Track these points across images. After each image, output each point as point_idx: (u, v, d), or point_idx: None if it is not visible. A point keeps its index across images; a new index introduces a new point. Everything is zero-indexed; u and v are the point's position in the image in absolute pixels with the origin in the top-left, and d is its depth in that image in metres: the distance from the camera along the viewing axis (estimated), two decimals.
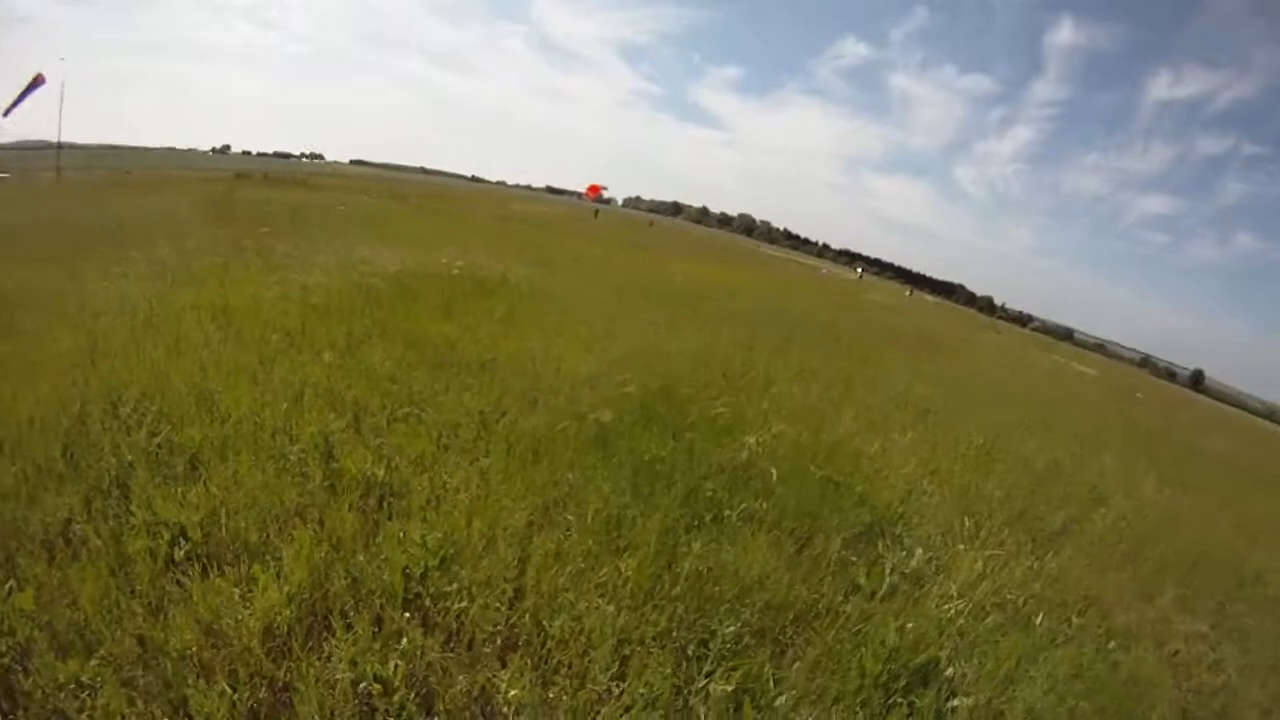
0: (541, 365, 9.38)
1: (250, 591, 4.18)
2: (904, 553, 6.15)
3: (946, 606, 5.45)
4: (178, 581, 4.23)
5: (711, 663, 4.29)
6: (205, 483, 5.18)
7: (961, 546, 6.64)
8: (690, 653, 4.39)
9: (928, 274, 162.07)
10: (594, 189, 70.39)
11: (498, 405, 7.47)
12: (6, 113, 38.17)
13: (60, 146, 44.42)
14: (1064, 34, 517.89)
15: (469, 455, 6.26)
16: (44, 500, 4.84)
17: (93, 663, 3.60)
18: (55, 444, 5.53)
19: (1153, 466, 13.81)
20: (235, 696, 3.55)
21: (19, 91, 37.40)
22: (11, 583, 4.01)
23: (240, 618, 3.97)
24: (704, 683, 4.14)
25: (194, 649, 3.77)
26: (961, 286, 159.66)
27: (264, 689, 3.69)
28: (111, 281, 11.20)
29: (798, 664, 4.52)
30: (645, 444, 7.03)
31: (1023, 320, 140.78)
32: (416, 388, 7.60)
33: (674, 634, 4.50)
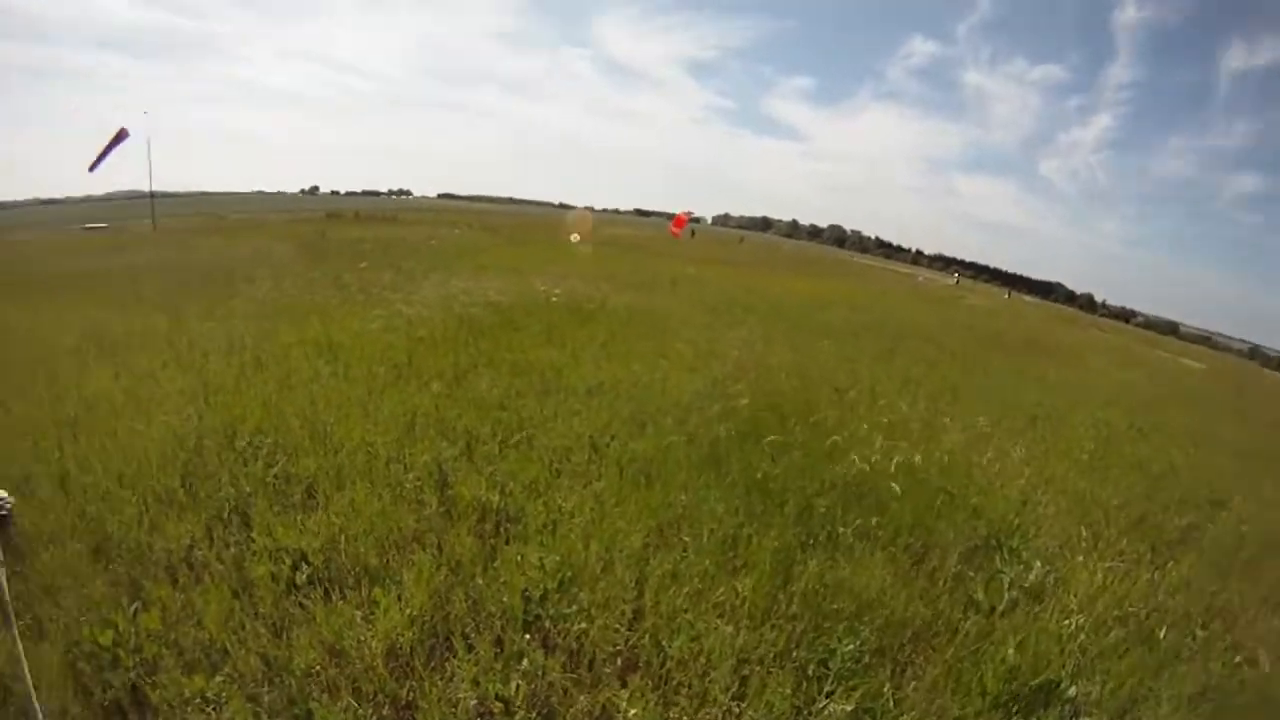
0: (647, 387, 9.58)
1: (372, 614, 4.41)
2: (1021, 566, 6.06)
3: (1066, 622, 5.35)
4: (300, 604, 4.51)
5: (831, 682, 4.34)
6: (324, 510, 5.50)
7: (1080, 558, 6.52)
8: (810, 672, 4.44)
9: (1025, 274, 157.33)
10: (680, 221, 69.38)
11: (607, 429, 7.66)
12: (92, 168, 40.17)
13: (153, 196, 46.58)
14: (1129, 12, 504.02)
15: (582, 479, 6.44)
16: (166, 528, 5.22)
17: (218, 679, 3.87)
18: (174, 475, 5.96)
19: (1272, 464, 13.31)
20: (360, 713, 3.76)
21: (103, 147, 39.40)
22: (137, 604, 4.35)
23: (363, 638, 4.20)
24: (824, 703, 4.19)
25: (318, 668, 4.01)
26: (1060, 285, 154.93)
27: (388, 706, 3.89)
28: (217, 322, 11.81)
29: (917, 683, 4.54)
30: (756, 462, 7.12)
31: (1125, 316, 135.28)
32: (526, 415, 7.86)
33: (793, 653, 4.57)
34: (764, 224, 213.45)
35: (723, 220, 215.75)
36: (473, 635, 4.35)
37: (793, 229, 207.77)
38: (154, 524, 5.28)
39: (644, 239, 60.44)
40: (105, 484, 5.85)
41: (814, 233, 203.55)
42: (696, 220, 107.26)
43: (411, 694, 3.94)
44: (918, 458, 7.95)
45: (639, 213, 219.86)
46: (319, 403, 7.75)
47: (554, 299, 16.67)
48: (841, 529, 6.05)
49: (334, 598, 4.55)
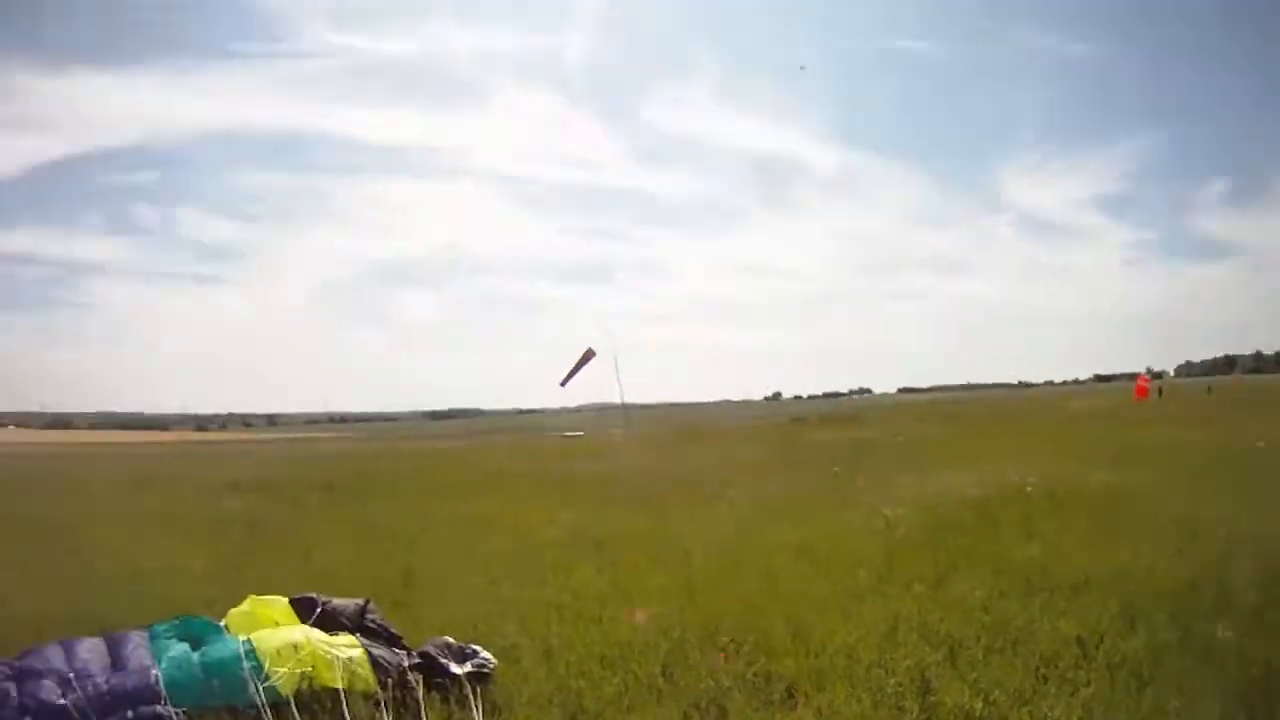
0: (1134, 577, 8.91)
1: None
2: None
3: None
4: None
5: None
6: (802, 709, 5.64)
7: None
8: None
9: None
10: (1143, 384, 65.91)
11: (1095, 628, 7.18)
12: (563, 383, 45.37)
13: (625, 407, 51.46)
14: None
15: (1069, 686, 6.02)
16: (643, 709, 5.64)
17: None
18: (655, 664, 6.46)
19: None
20: None
21: (573, 364, 44.66)
22: None
23: None
24: None
25: None
26: None
27: None
28: (696, 523, 12.66)
29: None
30: (1255, 654, 6.32)
31: None
32: (1009, 616, 7.59)
33: None
34: (1227, 364, 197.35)
35: (1185, 369, 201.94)
36: None
37: (1257, 361, 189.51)
38: (632, 705, 5.71)
39: (1110, 407, 58.32)
40: (587, 663, 6.48)
41: None
42: (1159, 375, 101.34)
43: None
44: None
45: (1099, 378, 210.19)
46: (799, 604, 8.04)
47: (1029, 489, 16.16)
48: None
49: None
